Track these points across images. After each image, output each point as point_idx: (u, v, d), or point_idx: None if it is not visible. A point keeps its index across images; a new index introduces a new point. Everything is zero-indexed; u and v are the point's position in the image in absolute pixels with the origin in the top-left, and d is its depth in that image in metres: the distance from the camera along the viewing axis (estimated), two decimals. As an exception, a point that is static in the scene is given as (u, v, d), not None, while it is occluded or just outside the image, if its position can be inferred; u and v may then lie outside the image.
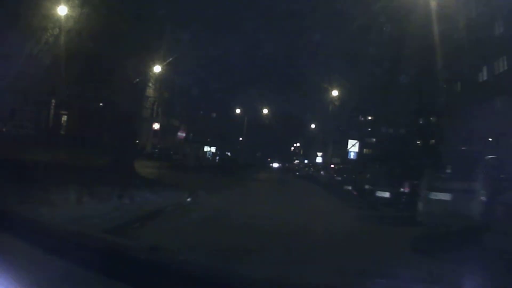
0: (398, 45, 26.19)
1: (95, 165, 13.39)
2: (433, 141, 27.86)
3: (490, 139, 14.29)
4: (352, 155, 35.90)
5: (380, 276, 2.45)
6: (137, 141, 32.94)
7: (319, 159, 51.77)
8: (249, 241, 6.02)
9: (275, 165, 73.57)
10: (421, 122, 32.51)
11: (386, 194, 10.85)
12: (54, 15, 15.34)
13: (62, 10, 15.42)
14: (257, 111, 53.02)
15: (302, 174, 42.23)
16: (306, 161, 64.09)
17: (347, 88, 35.53)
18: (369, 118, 44.37)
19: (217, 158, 57.64)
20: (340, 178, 19.71)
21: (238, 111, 52.52)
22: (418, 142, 32.02)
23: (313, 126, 57.70)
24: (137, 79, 14.87)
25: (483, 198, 6.02)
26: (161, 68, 27.35)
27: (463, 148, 7.99)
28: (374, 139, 42.73)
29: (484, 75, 24.62)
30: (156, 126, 41.71)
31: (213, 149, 60.87)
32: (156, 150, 37.49)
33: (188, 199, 11.37)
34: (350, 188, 16.13)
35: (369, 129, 44.18)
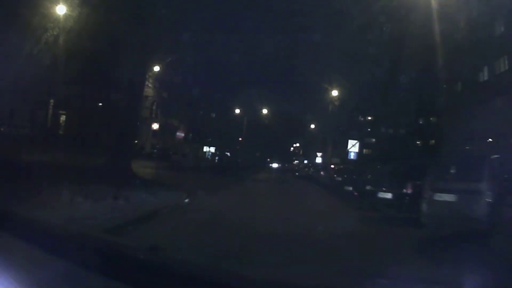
0: (398, 45, 26.09)
1: (93, 165, 13.28)
2: (434, 141, 27.76)
3: (490, 140, 14.18)
4: (352, 155, 35.84)
5: (380, 276, 2.37)
6: (136, 141, 32.87)
7: (318, 160, 51.70)
8: (247, 244, 5.88)
9: (275, 165, 73.43)
10: (421, 122, 32.43)
11: (388, 195, 10.67)
12: (52, 15, 15.24)
13: (60, 10, 15.32)
14: (256, 111, 52.93)
15: (301, 175, 42.09)
16: (305, 161, 64.02)
17: (347, 88, 35.41)
18: (369, 118, 44.21)
19: (217, 158, 57.56)
20: (340, 179, 19.56)
21: (237, 111, 52.40)
22: (418, 142, 31.94)
23: (312, 126, 57.64)
24: (135, 78, 14.73)
25: (488, 200, 5.88)
26: (161, 68, 27.27)
27: (467, 148, 7.83)
28: (374, 139, 42.60)
29: (484, 75, 24.54)
30: (155, 126, 41.57)
31: (212, 149, 60.75)
32: (155, 150, 37.36)
33: (186, 200, 11.16)
34: (350, 188, 15.97)
35: (369, 129, 44.03)
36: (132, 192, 9.33)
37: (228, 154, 62.03)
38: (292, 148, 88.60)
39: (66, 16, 15.10)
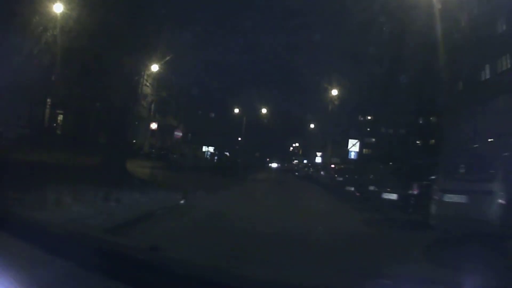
0: (399, 44, 25.94)
1: (89, 164, 13.03)
2: (436, 141, 27.59)
3: (491, 140, 13.95)
4: (352, 155, 35.65)
5: (380, 276, 2.26)
6: (134, 141, 32.62)
7: (318, 159, 51.59)
8: (246, 247, 5.62)
9: (274, 165, 73.36)
10: (422, 121, 32.27)
11: (394, 196, 10.34)
12: (49, 13, 15.07)
13: (58, 8, 15.13)
14: (256, 111, 52.74)
15: (301, 175, 41.91)
16: (305, 161, 63.88)
17: (347, 87, 35.28)
18: (369, 118, 44.05)
19: (215, 158, 57.32)
20: (341, 179, 19.26)
21: (236, 110, 52.20)
22: (418, 142, 31.79)
23: (312, 125, 57.51)
24: (131, 77, 14.50)
25: (502, 201, 5.61)
26: (159, 67, 27.04)
27: (476, 145, 7.50)
28: (373, 139, 42.44)
29: (486, 74, 24.33)
30: (153, 125, 41.33)
31: (211, 149, 60.56)
32: (154, 150, 37.09)
33: (182, 201, 10.73)
34: (352, 189, 15.68)
35: (368, 129, 43.86)
36: (125, 193, 9.00)
37: (227, 154, 61.82)
38: (291, 148, 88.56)
39: (62, 14, 14.90)
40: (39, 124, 27.68)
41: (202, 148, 57.95)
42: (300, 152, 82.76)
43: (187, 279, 1.57)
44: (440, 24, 20.41)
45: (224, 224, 7.79)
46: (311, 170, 37.38)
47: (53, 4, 15.14)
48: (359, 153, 39.20)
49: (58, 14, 15.13)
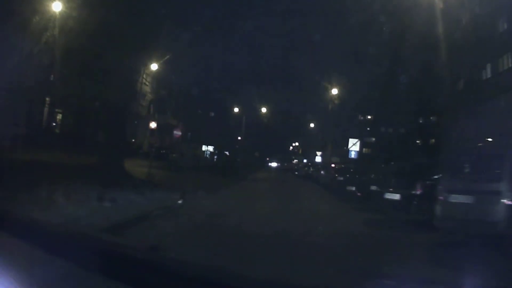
0: (399, 43, 25.87)
1: (86, 164, 12.93)
2: (436, 141, 27.49)
3: (496, 139, 13.80)
4: (353, 154, 35.56)
5: (381, 277, 2.30)
6: (133, 140, 32.51)
7: (318, 159, 51.51)
8: (246, 247, 5.52)
9: (274, 164, 73.26)
10: (422, 121, 32.16)
11: (396, 196, 10.20)
12: (48, 12, 14.99)
13: (56, 7, 15.06)
14: (255, 110, 52.74)
15: (301, 174, 41.83)
16: (305, 161, 63.80)
17: (347, 86, 35.21)
18: (369, 117, 43.96)
19: (215, 157, 57.21)
20: (342, 178, 19.14)
21: (236, 110, 52.12)
22: (418, 142, 31.68)
23: (312, 125, 57.45)
24: (130, 76, 14.41)
25: (508, 201, 5.50)
26: (159, 66, 26.95)
27: (480, 144, 7.35)
28: (373, 139, 42.35)
29: (487, 73, 24.25)
30: (153, 125, 41.22)
31: (211, 148, 60.45)
32: (153, 149, 36.96)
33: (180, 201, 10.42)
34: (353, 189, 15.55)
35: (368, 128, 43.76)
36: (120, 193, 8.84)
37: (227, 153, 61.74)
38: (291, 147, 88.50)
39: (61, 13, 14.82)
40: (37, 123, 27.58)
41: (201, 147, 57.80)
42: (300, 151, 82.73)
43: (187, 279, 1.57)
44: (440, 24, 20.34)
45: (224, 224, 7.71)
46: (311, 169, 37.31)
47: (52, 3, 15.06)
48: (359, 153, 39.12)
49: (57, 13, 15.05)
